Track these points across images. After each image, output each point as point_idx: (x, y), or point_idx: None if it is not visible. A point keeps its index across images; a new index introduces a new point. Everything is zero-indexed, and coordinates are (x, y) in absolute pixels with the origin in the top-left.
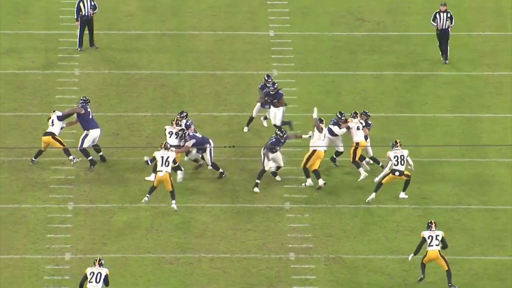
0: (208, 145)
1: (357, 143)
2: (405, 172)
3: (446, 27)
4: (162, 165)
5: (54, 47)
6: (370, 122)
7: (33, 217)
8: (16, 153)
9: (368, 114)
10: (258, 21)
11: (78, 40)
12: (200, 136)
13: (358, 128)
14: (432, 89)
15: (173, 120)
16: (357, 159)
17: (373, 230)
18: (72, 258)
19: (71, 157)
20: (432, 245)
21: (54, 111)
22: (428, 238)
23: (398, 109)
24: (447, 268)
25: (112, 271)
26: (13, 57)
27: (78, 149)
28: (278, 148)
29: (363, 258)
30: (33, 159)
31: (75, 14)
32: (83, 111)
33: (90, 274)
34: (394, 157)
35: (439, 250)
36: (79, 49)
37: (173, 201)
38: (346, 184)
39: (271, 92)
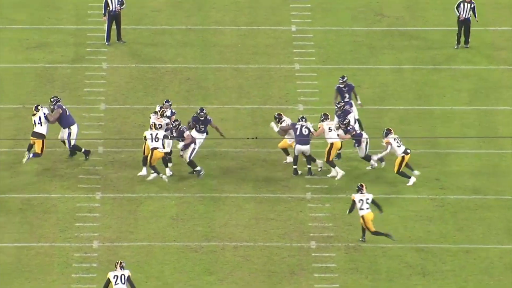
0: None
1: (331, 144)
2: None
3: (468, 16)
4: (152, 141)
5: (83, 41)
6: (349, 128)
7: (62, 206)
8: (45, 144)
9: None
10: (280, 16)
11: (105, 34)
12: None
13: (330, 130)
14: (449, 83)
15: (158, 111)
16: (331, 159)
17: (392, 219)
18: (99, 246)
19: (28, 154)
20: (363, 209)
21: (39, 107)
22: (359, 202)
23: (416, 102)
24: (373, 230)
25: (138, 259)
26: (43, 51)
27: (69, 149)
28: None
29: (382, 247)
30: (28, 151)
31: (103, 10)
32: (61, 111)
33: (114, 278)
34: (395, 140)
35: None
36: (106, 43)
37: (161, 175)
38: (366, 175)
39: (199, 119)
